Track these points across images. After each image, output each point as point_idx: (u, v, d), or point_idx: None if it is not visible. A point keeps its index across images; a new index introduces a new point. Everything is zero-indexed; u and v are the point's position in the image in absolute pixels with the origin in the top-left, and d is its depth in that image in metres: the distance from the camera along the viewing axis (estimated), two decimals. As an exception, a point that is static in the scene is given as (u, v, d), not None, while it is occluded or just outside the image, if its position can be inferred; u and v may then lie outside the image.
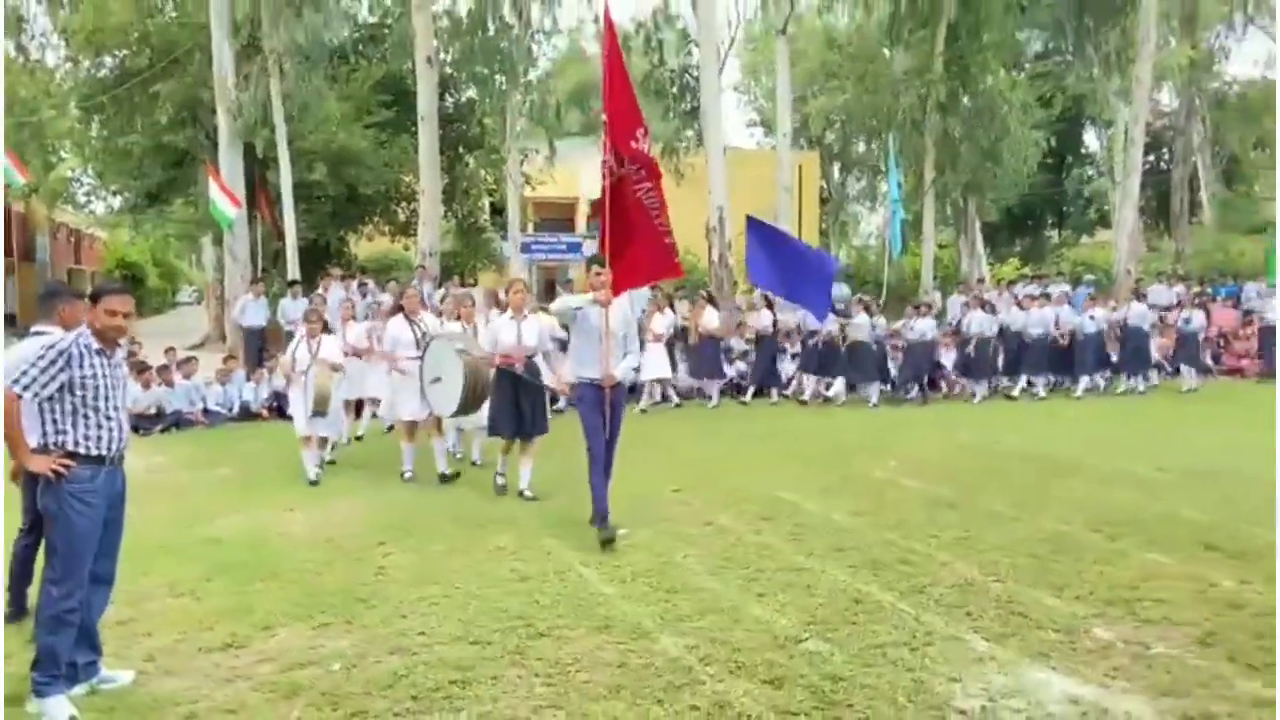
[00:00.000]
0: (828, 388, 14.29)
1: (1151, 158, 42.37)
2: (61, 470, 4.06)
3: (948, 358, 15.32)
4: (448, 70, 22.05)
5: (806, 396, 14.27)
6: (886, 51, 20.02)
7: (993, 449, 10.21)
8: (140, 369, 12.11)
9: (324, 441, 9.23)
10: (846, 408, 13.88)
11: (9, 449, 4.17)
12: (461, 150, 25.84)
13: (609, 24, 6.98)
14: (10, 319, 24.47)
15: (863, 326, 13.72)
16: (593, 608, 5.11)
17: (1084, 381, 14.92)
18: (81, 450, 4.11)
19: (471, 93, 23.21)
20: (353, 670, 4.33)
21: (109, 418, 4.19)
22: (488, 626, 4.84)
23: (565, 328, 7.23)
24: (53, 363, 4.07)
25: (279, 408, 13.10)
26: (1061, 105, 25.99)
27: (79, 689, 4.12)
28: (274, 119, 17.80)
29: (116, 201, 29.57)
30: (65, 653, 4.05)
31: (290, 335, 13.68)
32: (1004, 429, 11.66)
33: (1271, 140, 32.20)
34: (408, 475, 8.69)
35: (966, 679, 4.09)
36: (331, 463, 9.63)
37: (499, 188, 25.28)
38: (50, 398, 4.08)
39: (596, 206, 37.50)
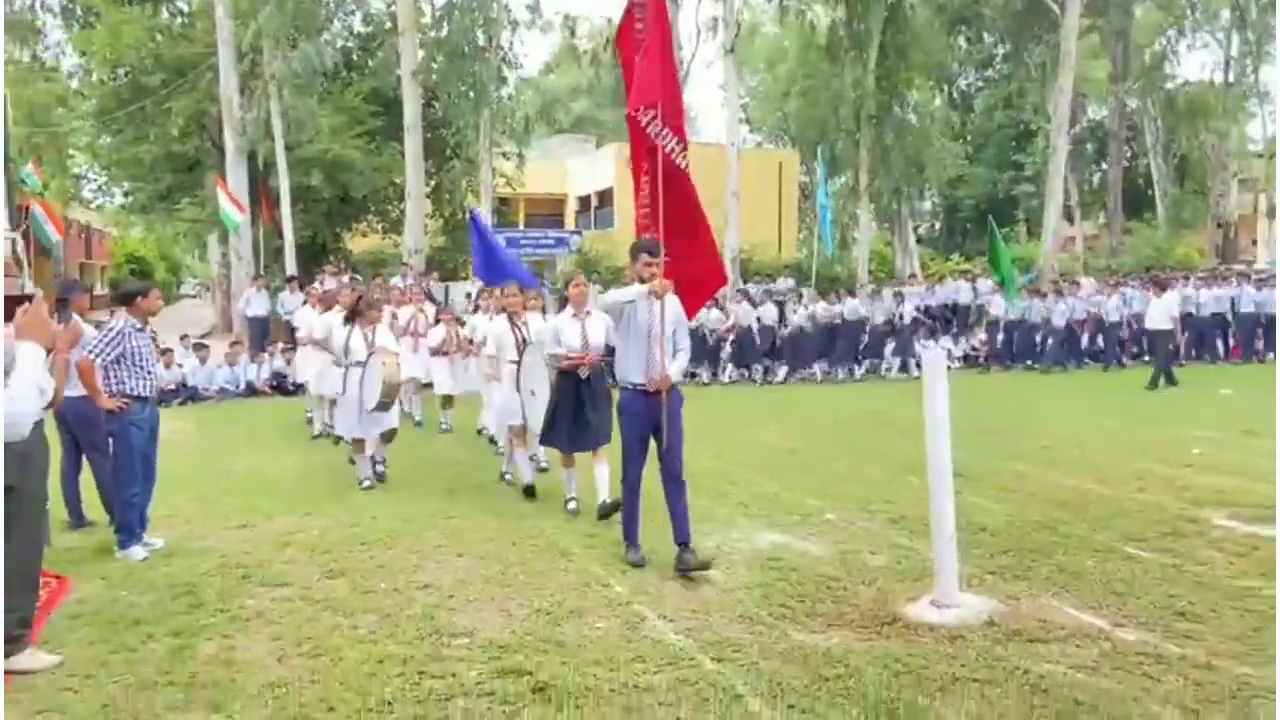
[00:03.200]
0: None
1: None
2: (123, 406, 6.28)
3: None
4: (434, 78, 24.28)
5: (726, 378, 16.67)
6: (825, 68, 22.15)
7: (861, 414, 12.43)
8: (163, 351, 14.36)
9: (391, 434, 8.47)
10: (778, 387, 16.19)
11: (89, 394, 6.36)
12: (447, 154, 28.03)
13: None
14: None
15: (750, 314, 16.24)
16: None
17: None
18: (133, 393, 6.33)
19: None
20: (326, 533, 6.59)
21: (149, 373, 6.43)
22: (418, 507, 7.08)
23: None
24: (112, 340, 6.30)
25: (278, 385, 15.40)
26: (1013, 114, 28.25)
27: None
28: (274, 133, 20.04)
29: (122, 199, 31.85)
30: (135, 522, 6.28)
31: (288, 324, 15.93)
32: (892, 400, 13.85)
33: (1221, 139, 34.38)
34: (508, 478, 8.26)
35: (717, 537, 6.30)
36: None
37: (509, 184, 27.46)
38: (112, 361, 6.30)
39: (585, 202, 39.70)
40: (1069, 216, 40.94)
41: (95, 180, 35.39)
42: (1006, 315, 18.10)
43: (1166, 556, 5.79)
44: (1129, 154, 43.14)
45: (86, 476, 7.02)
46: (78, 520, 6.99)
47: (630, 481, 5.76)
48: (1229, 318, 18.64)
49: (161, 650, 4.51)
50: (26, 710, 3.87)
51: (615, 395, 6.13)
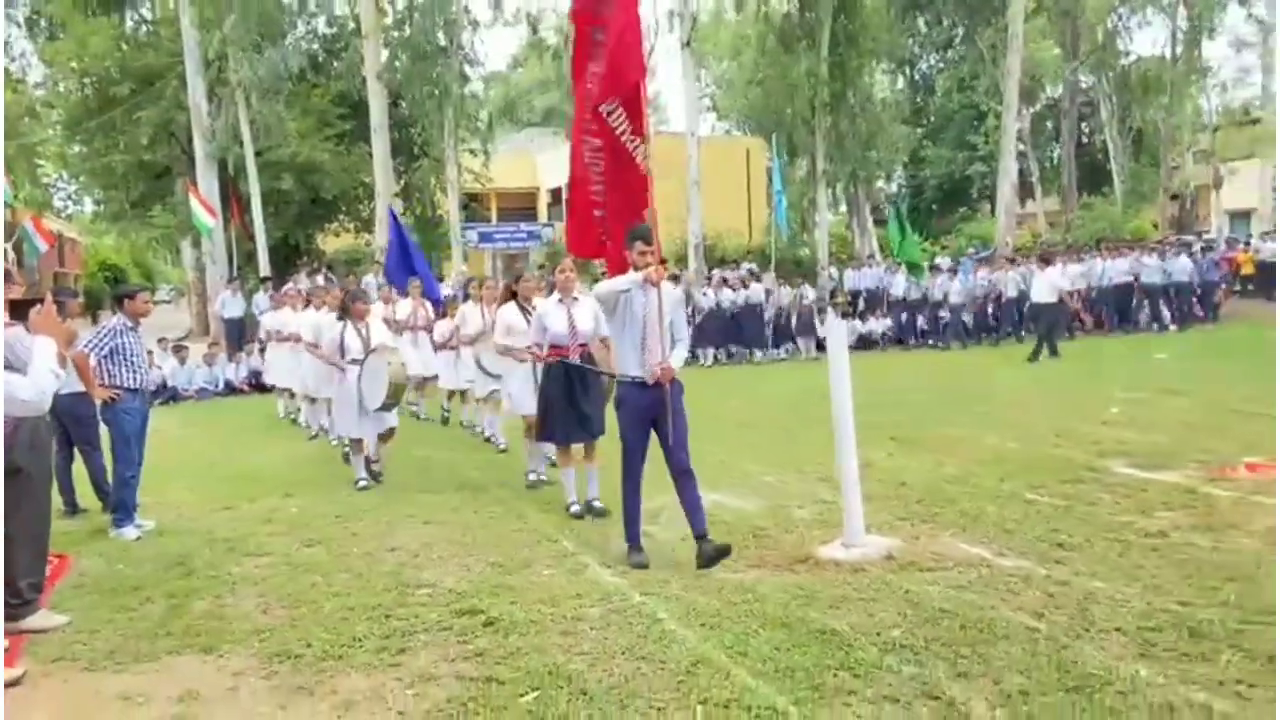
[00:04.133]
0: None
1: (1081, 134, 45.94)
2: (116, 396, 6.84)
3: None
4: (399, 78, 24.75)
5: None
6: (781, 57, 22.78)
7: (803, 391, 13.10)
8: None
9: (390, 434, 8.31)
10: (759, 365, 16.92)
11: (85, 385, 6.91)
12: (415, 153, 28.51)
13: None
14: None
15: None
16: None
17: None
18: (125, 385, 6.89)
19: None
20: (304, 510, 7.19)
21: (139, 367, 6.99)
22: (390, 484, 7.68)
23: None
24: (106, 336, 6.86)
25: (256, 383, 15.91)
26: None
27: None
28: (243, 139, 20.49)
29: (94, 207, 32.20)
30: (130, 501, 6.84)
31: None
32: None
33: (1175, 112, 35.25)
34: (532, 478, 7.73)
35: (660, 499, 6.90)
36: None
37: (476, 179, 27.98)
38: (105, 356, 6.86)
39: (557, 194, 40.21)
40: (1030, 193, 42.02)
41: (65, 189, 35.72)
42: (908, 294, 18.83)
43: (1061, 500, 6.47)
44: (1087, 130, 44.18)
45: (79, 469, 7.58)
46: (72, 507, 7.53)
47: (632, 479, 5.47)
48: (1159, 287, 19.39)
49: (158, 609, 5.10)
50: (43, 659, 4.45)
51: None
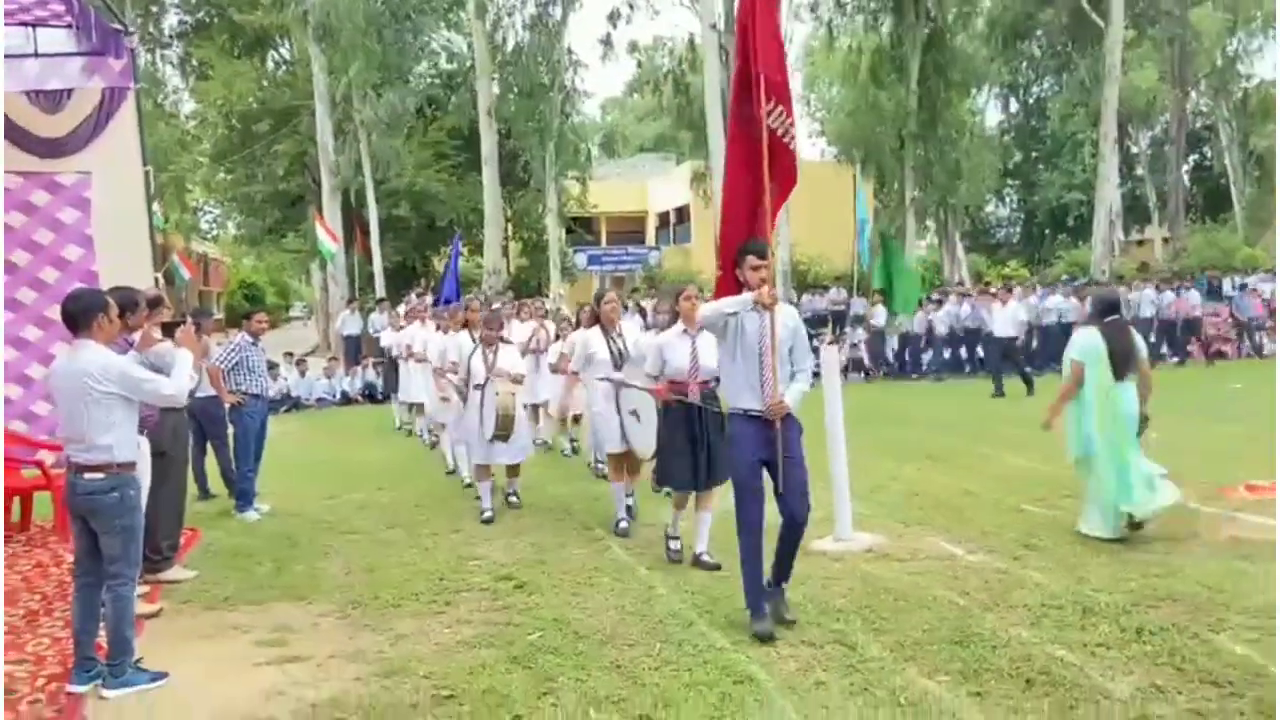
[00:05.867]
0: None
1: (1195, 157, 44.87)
2: (241, 400, 8.20)
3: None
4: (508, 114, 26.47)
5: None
6: (871, 91, 23.46)
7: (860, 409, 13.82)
8: (270, 366, 16.57)
9: (515, 468, 7.92)
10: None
11: (216, 391, 8.28)
12: (524, 181, 30.23)
13: None
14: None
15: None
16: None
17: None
18: (248, 391, 8.25)
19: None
20: (393, 501, 8.43)
21: (261, 376, 8.35)
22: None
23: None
24: (233, 351, 8.24)
25: (370, 394, 17.52)
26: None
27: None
28: (364, 171, 22.40)
29: (235, 231, 35.13)
30: (251, 489, 8.18)
31: (377, 340, 17.98)
32: (879, 396, 15.14)
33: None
34: (623, 525, 6.94)
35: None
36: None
37: (582, 205, 29.52)
38: (233, 367, 8.23)
39: (664, 218, 41.41)
40: (1148, 218, 41.19)
41: (211, 213, 38.95)
42: (896, 327, 18.68)
43: (1053, 511, 7.14)
44: (1210, 155, 43.04)
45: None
46: (204, 492, 8.94)
47: (749, 525, 4.70)
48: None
49: (265, 570, 6.34)
50: (176, 600, 5.71)
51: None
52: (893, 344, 19.28)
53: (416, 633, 4.92)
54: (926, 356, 18.97)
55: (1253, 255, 31.67)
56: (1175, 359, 18.99)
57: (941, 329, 18.65)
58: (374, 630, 5.01)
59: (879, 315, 18.96)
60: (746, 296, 4.70)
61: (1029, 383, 14.70)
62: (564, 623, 4.91)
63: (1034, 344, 17.19)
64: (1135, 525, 6.24)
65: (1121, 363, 6.38)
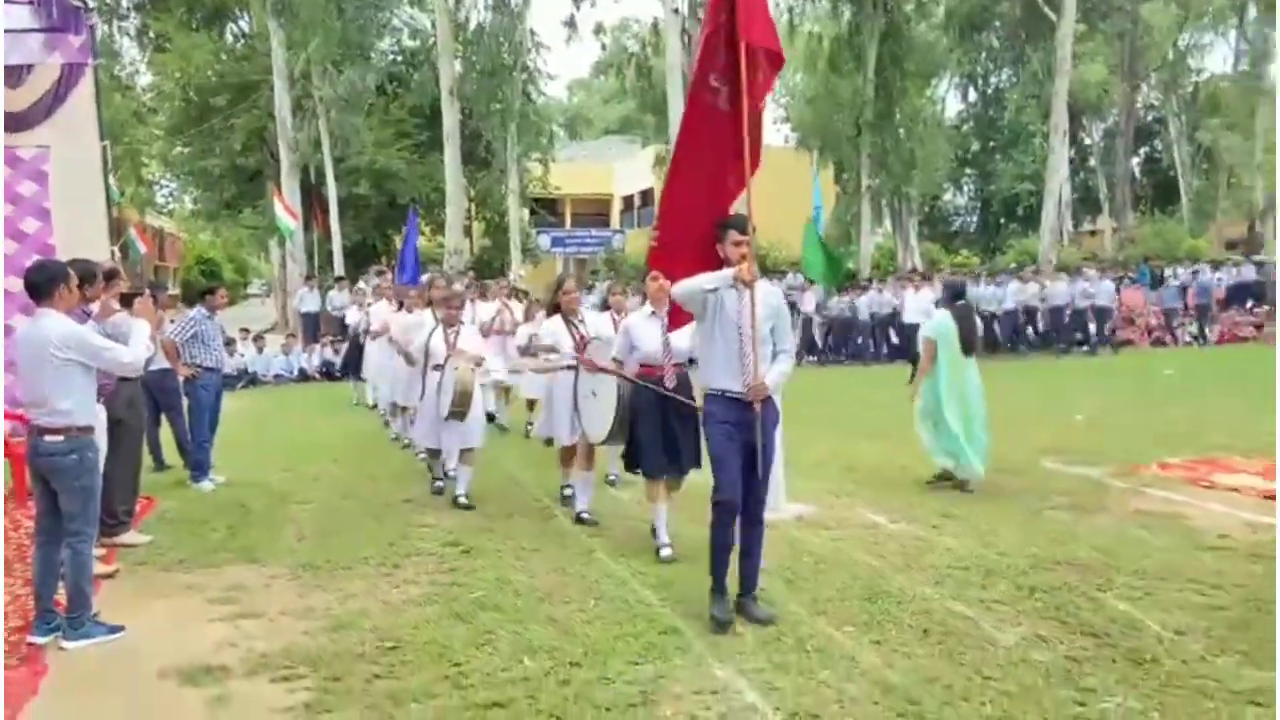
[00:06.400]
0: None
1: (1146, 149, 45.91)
2: (196, 373, 8.37)
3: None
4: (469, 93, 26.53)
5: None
6: (830, 79, 23.84)
7: (811, 391, 14.22)
8: (227, 342, 16.64)
9: (470, 455, 7.41)
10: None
11: (171, 364, 8.44)
12: (486, 161, 30.31)
13: None
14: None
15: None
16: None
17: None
18: (204, 364, 8.42)
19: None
20: (347, 473, 8.65)
21: (216, 349, 8.52)
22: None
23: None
24: (189, 325, 8.41)
25: (327, 372, 17.64)
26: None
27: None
28: (323, 148, 22.41)
29: (192, 206, 34.87)
30: (206, 460, 8.37)
31: (338, 319, 18.08)
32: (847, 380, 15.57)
33: (1244, 133, 35.15)
34: (585, 515, 6.63)
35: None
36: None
37: (544, 187, 29.58)
38: (188, 340, 8.40)
39: (629, 201, 41.57)
40: (1099, 209, 42.13)
41: (168, 187, 38.54)
42: (824, 311, 19.27)
43: (977, 485, 7.52)
44: (1160, 147, 44.00)
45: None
46: (160, 463, 9.10)
47: (725, 508, 4.51)
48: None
49: (219, 535, 6.56)
50: (131, 562, 5.92)
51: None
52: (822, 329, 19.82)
53: (365, 592, 5.19)
54: (860, 342, 19.56)
55: (1195, 246, 32.58)
56: (1084, 348, 19.53)
57: (864, 314, 19.29)
58: (324, 590, 5.26)
59: (808, 301, 19.44)
60: (726, 273, 4.53)
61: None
62: (505, 583, 5.21)
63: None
64: (946, 477, 7.45)
65: (968, 341, 7.38)
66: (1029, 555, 5.41)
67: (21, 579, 5.45)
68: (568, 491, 7.08)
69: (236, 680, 4.07)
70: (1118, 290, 22.27)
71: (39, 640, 4.54)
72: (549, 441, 7.43)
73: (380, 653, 4.29)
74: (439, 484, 7.71)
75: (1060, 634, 4.25)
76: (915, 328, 15.55)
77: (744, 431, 4.51)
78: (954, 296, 7.79)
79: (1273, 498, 6.85)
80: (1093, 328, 19.85)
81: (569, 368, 6.69)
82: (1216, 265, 25.35)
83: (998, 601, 4.66)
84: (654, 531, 5.81)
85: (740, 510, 4.53)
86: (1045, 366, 17.62)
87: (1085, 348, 19.55)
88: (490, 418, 10.09)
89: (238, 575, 5.60)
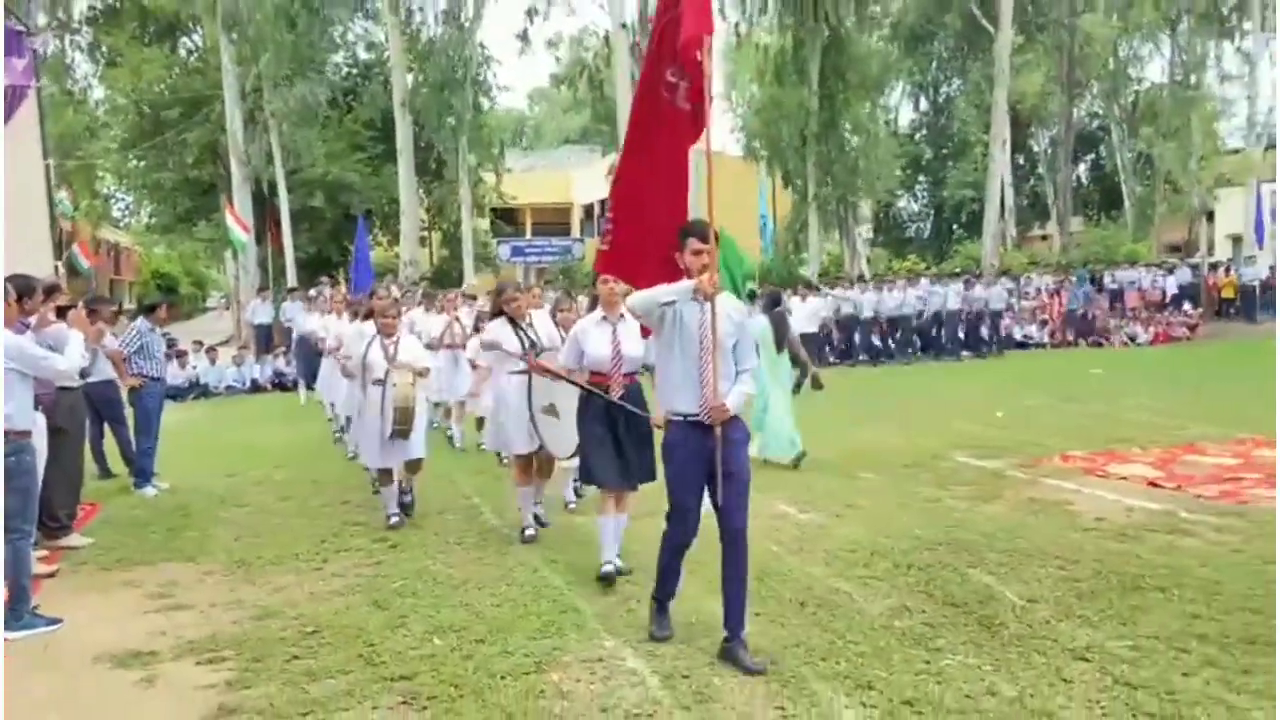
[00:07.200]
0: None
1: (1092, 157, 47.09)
2: (141, 383, 8.63)
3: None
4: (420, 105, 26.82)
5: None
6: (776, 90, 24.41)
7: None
8: (179, 354, 16.80)
9: (417, 465, 7.12)
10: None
11: (117, 375, 8.69)
12: (440, 173, 30.57)
13: None
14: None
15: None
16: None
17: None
18: (148, 374, 8.69)
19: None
20: (288, 478, 8.94)
21: (159, 360, 8.79)
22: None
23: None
24: (135, 337, 8.68)
25: (279, 383, 17.83)
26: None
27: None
28: (275, 162, 22.61)
29: (147, 219, 34.79)
30: (149, 466, 8.62)
31: (288, 331, 18.30)
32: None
33: (1180, 140, 36.21)
34: (529, 533, 6.36)
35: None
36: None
37: (500, 197, 29.86)
38: (134, 351, 8.66)
39: (589, 210, 41.91)
40: (1046, 214, 43.14)
41: (123, 201, 38.40)
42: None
43: (887, 478, 7.98)
44: (1105, 154, 45.15)
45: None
46: (104, 472, 9.34)
47: (675, 541, 4.44)
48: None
49: (158, 536, 6.85)
50: (73, 562, 6.20)
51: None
52: None
53: (293, 585, 5.51)
54: None
55: (1134, 250, 33.56)
56: (969, 352, 20.11)
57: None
58: (255, 584, 5.58)
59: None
60: (686, 284, 4.22)
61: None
62: (425, 573, 5.56)
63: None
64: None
65: (780, 340, 8.82)
66: (914, 538, 5.85)
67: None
68: (529, 533, 6.37)
69: (164, 663, 4.38)
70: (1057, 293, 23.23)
71: (-22, 631, 4.82)
72: (500, 456, 7.53)
73: (301, 636, 4.62)
74: (394, 519, 6.90)
75: (925, 604, 4.68)
76: (804, 336, 16.68)
77: (707, 463, 4.23)
78: (771, 304, 9.09)
79: (1157, 485, 7.38)
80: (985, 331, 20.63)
81: (521, 372, 6.31)
82: (1158, 267, 26.39)
83: (875, 578, 5.08)
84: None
85: (721, 538, 4.33)
86: (975, 367, 18.27)
87: (969, 352, 20.14)
88: (450, 440, 10.39)
89: (174, 572, 5.90)
